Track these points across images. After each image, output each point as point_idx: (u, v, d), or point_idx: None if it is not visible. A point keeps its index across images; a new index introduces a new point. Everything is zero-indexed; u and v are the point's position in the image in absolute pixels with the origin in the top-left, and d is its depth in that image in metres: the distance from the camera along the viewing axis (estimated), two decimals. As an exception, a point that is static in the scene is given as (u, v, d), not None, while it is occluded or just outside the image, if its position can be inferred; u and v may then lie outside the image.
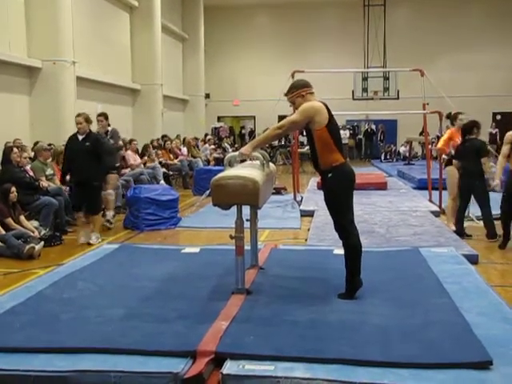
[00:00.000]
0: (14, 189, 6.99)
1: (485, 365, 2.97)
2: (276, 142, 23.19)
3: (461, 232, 7.32)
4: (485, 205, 7.25)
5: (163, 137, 15.64)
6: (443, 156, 8.11)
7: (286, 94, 4.43)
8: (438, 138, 10.99)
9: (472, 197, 7.48)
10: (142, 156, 12.26)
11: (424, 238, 6.92)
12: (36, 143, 10.13)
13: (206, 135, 20.05)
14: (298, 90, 4.30)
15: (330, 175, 4.15)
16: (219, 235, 7.08)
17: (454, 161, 7.67)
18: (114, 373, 2.98)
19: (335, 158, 4.14)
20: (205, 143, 17.88)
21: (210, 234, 7.72)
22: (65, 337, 3.40)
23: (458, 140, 7.74)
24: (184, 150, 15.45)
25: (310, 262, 5.30)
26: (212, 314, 3.72)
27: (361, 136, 24.82)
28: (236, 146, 19.66)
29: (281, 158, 21.79)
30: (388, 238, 7.04)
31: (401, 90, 19.83)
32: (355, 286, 4.20)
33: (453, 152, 7.76)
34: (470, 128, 7.36)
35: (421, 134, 21.10)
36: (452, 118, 8.23)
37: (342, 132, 22.42)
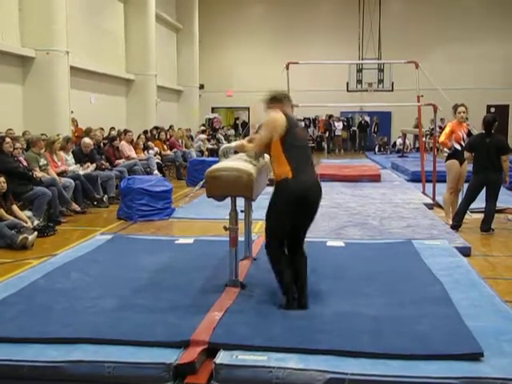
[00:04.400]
0: (1, 179, 6.90)
1: (476, 356, 2.99)
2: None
3: (459, 224, 7.33)
4: (494, 199, 7.25)
5: (156, 128, 15.61)
6: (445, 149, 7.98)
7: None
8: (433, 129, 10.99)
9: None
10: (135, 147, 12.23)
11: (417, 231, 6.94)
12: (24, 133, 10.07)
13: (204, 125, 20.04)
14: (267, 104, 4.11)
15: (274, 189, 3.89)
16: (213, 226, 7.08)
17: (466, 153, 7.44)
18: (107, 363, 2.99)
19: (283, 171, 3.81)
20: (203, 133, 17.90)
21: (204, 225, 7.72)
22: (58, 327, 3.40)
23: (460, 133, 7.67)
24: (178, 140, 15.46)
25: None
26: (205, 304, 3.73)
27: (355, 128, 24.82)
28: (230, 138, 19.65)
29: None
30: (381, 230, 7.06)
31: (395, 82, 19.80)
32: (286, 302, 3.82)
33: (455, 145, 7.66)
34: (493, 123, 7.24)
35: (416, 126, 21.13)
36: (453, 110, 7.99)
37: (336, 124, 22.16)
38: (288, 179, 3.79)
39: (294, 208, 3.79)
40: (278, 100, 4.11)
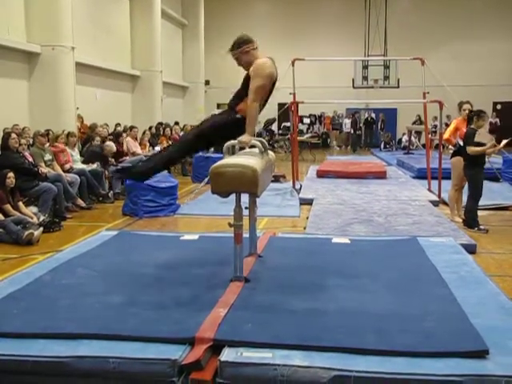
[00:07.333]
0: (10, 174, 6.96)
1: (481, 354, 2.98)
2: (276, 129, 23.17)
3: (473, 223, 7.28)
4: (471, 195, 7.21)
5: (161, 124, 15.61)
6: (450, 147, 8.01)
7: (230, 50, 4.59)
8: (436, 126, 10.97)
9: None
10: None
11: (422, 228, 6.93)
12: (23, 129, 10.02)
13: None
14: (241, 48, 4.46)
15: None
16: (218, 222, 7.09)
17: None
18: (112, 359, 2.98)
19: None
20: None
21: (209, 222, 7.73)
22: (63, 322, 3.40)
23: (465, 130, 7.71)
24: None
25: (308, 250, 5.31)
26: (210, 301, 3.72)
27: (361, 124, 24.76)
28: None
29: (282, 145, 21.70)
30: (387, 227, 7.05)
31: (401, 79, 19.75)
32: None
33: (460, 143, 7.69)
34: (472, 116, 7.29)
35: (414, 123, 21.06)
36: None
37: (346, 121, 22.03)
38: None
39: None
40: (251, 40, 4.41)
